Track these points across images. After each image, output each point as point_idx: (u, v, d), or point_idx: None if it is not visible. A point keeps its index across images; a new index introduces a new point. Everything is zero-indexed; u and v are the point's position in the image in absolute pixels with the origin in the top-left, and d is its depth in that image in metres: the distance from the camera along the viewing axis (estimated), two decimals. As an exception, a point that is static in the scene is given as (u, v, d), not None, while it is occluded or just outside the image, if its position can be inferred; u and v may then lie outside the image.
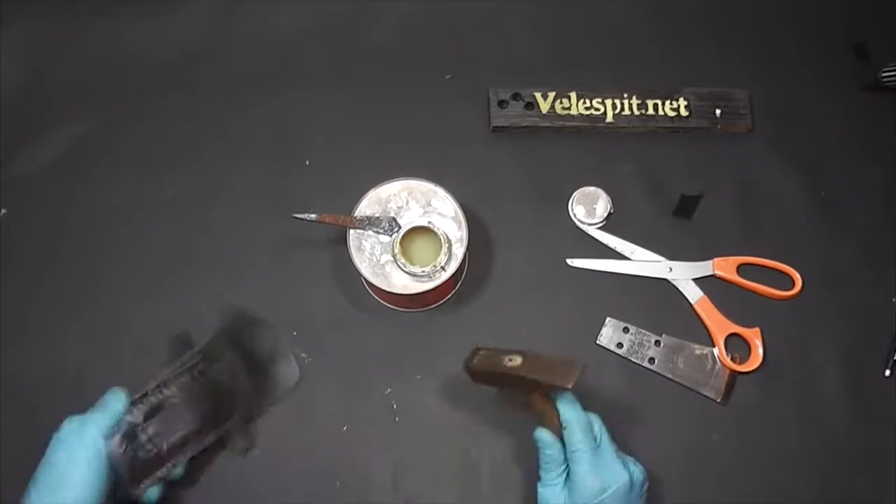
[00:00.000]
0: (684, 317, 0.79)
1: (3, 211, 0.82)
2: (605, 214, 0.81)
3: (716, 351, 0.77)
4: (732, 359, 0.76)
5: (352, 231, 0.72)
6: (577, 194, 0.82)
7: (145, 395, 0.69)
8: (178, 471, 0.70)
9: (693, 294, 0.79)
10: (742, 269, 0.79)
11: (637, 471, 0.66)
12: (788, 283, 0.79)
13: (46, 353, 0.77)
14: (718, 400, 0.76)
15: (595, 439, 0.65)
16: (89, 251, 0.81)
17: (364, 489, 0.74)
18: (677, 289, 0.79)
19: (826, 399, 0.76)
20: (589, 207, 0.81)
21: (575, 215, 0.81)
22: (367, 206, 0.73)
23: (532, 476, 0.74)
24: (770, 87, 0.86)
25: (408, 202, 0.74)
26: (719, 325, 0.77)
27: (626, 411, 0.76)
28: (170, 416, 0.70)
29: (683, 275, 0.79)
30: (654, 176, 0.83)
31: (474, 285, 0.80)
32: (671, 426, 0.75)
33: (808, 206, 0.82)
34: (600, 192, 0.81)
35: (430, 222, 0.72)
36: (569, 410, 0.65)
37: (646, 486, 0.66)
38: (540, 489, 0.66)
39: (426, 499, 0.74)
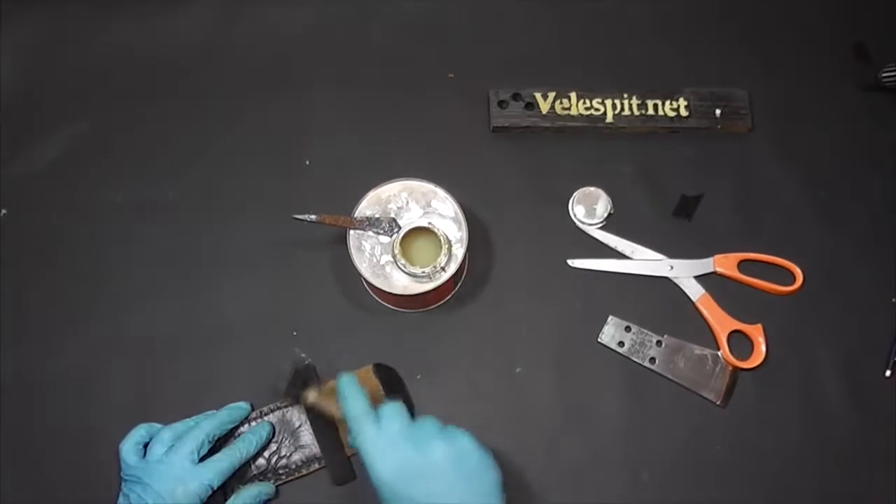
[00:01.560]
0: (686, 315, 0.79)
1: (3, 211, 0.82)
2: (606, 214, 0.81)
3: (719, 353, 0.77)
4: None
5: (352, 232, 0.72)
6: (577, 194, 0.82)
7: (272, 410, 0.74)
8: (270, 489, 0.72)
9: (695, 292, 0.79)
10: (743, 266, 0.79)
11: (443, 449, 0.59)
12: (790, 278, 0.79)
13: (46, 353, 0.77)
14: (718, 402, 0.76)
15: (374, 424, 0.61)
16: (89, 251, 0.81)
17: (364, 489, 0.74)
18: (679, 287, 0.79)
19: (826, 399, 0.76)
20: (589, 207, 0.81)
21: (575, 215, 0.81)
22: (367, 206, 0.73)
23: (531, 474, 0.74)
24: (770, 87, 0.86)
25: (408, 203, 0.74)
26: (721, 323, 0.77)
27: (626, 410, 0.76)
28: (290, 436, 0.74)
29: (684, 272, 0.79)
30: (654, 176, 0.83)
31: (474, 285, 0.80)
32: (671, 426, 0.75)
33: (808, 206, 0.82)
34: (600, 192, 0.81)
35: (430, 223, 0.72)
36: (343, 402, 0.63)
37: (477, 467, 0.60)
38: None
39: (426, 499, 0.74)
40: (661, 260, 0.80)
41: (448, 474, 0.59)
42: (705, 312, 0.78)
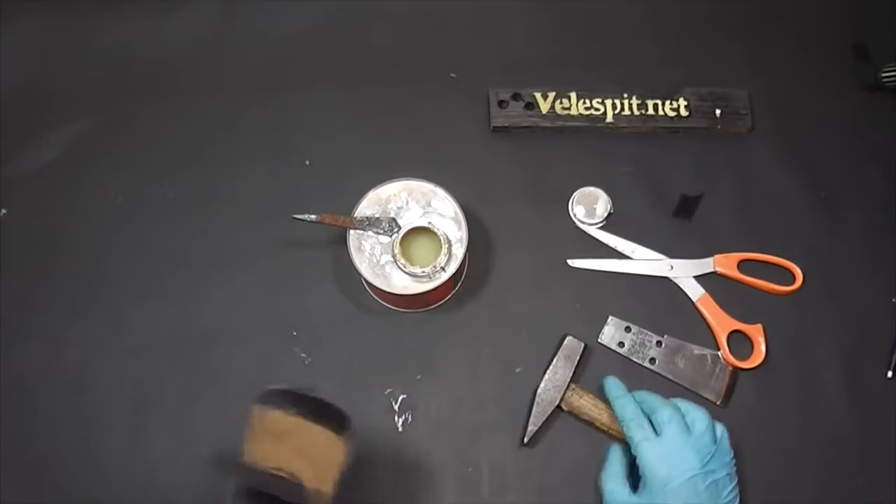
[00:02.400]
0: (686, 315, 0.79)
1: (3, 211, 0.82)
2: (605, 214, 0.81)
3: (719, 353, 0.77)
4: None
5: (352, 231, 0.72)
6: (577, 194, 0.82)
7: None
8: None
9: (694, 292, 0.79)
10: (743, 266, 0.79)
11: (716, 462, 0.66)
12: (790, 278, 0.79)
13: (46, 353, 0.77)
14: (718, 402, 0.76)
15: (654, 430, 0.67)
16: (89, 251, 0.81)
17: (364, 489, 0.74)
18: (679, 287, 0.79)
19: (826, 399, 0.76)
20: (589, 207, 0.81)
21: (575, 215, 0.81)
22: (367, 206, 0.73)
23: (531, 475, 0.74)
24: (770, 87, 0.86)
25: (408, 202, 0.74)
26: (721, 322, 0.77)
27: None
28: None
29: (684, 272, 0.79)
30: (654, 176, 0.83)
31: (474, 285, 0.80)
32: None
33: (808, 206, 0.82)
34: (600, 192, 0.81)
35: (430, 223, 0.72)
36: (618, 407, 0.70)
37: (728, 482, 0.67)
38: (603, 478, 0.70)
39: (426, 499, 0.74)
40: (661, 260, 0.80)
41: (695, 488, 0.65)
42: (705, 312, 0.78)
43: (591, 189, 0.82)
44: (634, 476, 0.69)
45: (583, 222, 0.81)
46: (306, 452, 0.62)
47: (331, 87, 0.86)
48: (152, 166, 0.84)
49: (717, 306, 0.78)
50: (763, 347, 0.77)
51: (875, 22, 0.88)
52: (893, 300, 0.79)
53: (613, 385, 0.72)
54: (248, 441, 0.62)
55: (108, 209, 0.82)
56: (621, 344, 0.78)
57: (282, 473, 0.60)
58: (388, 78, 0.87)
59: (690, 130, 0.84)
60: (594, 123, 0.84)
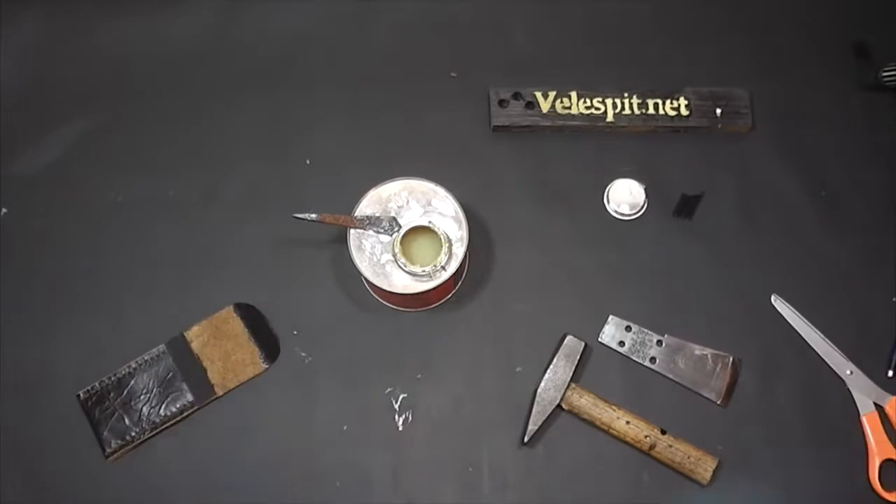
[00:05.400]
0: (686, 315, 0.79)
1: (4, 211, 0.82)
2: (643, 205, 0.81)
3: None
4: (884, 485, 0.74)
5: (352, 231, 0.72)
6: (611, 187, 0.82)
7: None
8: None
9: (865, 405, 0.75)
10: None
11: None
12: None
13: (46, 353, 0.77)
14: (718, 402, 0.76)
15: None
16: (89, 251, 0.81)
17: (364, 489, 0.74)
18: (850, 392, 0.76)
19: (826, 399, 0.76)
20: (625, 200, 0.81)
21: (614, 209, 0.81)
22: (368, 205, 0.73)
23: (531, 474, 0.74)
24: (771, 86, 0.86)
25: (408, 202, 0.74)
26: (881, 446, 0.74)
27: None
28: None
29: (862, 384, 0.76)
30: (654, 175, 0.83)
31: (474, 285, 0.80)
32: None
33: (808, 206, 0.82)
34: (634, 183, 0.81)
35: (430, 222, 0.72)
36: None
37: None
38: None
39: (426, 499, 0.74)
40: (844, 362, 0.76)
41: None
42: (868, 430, 0.74)
43: (626, 181, 0.82)
44: None
45: (622, 215, 0.81)
46: (229, 357, 0.76)
47: (331, 87, 0.86)
48: (152, 166, 0.84)
49: (881, 428, 0.75)
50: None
51: (875, 21, 0.88)
52: (893, 300, 0.79)
53: None
54: (200, 324, 0.77)
55: (108, 209, 0.82)
56: (622, 343, 0.78)
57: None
58: (388, 78, 0.87)
59: (691, 130, 0.84)
60: (594, 123, 0.84)
